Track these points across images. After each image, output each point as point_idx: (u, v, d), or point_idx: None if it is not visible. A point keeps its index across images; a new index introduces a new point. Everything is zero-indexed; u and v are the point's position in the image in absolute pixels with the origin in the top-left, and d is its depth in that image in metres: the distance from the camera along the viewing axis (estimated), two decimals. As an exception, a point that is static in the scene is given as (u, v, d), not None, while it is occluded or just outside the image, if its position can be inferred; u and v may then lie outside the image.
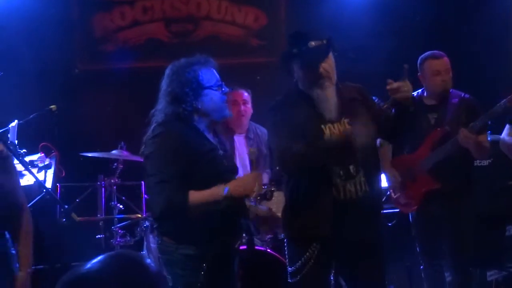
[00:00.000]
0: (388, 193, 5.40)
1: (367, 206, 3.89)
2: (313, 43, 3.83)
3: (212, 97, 3.78)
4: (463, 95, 5.23)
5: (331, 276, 4.47)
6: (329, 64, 3.88)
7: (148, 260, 1.56)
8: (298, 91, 3.96)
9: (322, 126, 3.87)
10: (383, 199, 4.33)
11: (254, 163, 3.89)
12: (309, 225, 3.93)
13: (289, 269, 4.00)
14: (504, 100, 4.85)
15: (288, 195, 4.13)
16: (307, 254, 3.89)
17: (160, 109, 3.77)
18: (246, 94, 6.05)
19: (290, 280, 3.99)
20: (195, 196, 3.58)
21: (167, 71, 3.84)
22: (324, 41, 3.86)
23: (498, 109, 4.88)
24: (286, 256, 4.10)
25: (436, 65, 5.19)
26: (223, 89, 3.84)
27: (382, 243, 4.05)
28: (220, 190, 3.60)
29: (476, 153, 5.11)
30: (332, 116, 3.88)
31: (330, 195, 3.84)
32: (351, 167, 3.87)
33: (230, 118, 4.03)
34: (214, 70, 3.86)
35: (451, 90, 5.25)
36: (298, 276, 3.93)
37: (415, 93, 5.27)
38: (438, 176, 5.10)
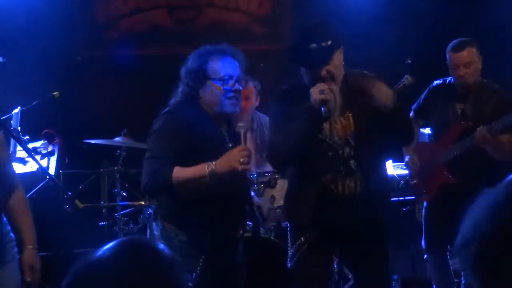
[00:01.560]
0: (407, 178, 5.38)
1: (369, 200, 3.84)
2: (314, 45, 3.66)
3: (213, 90, 3.73)
4: (496, 87, 5.03)
5: (334, 264, 4.47)
6: (333, 65, 3.74)
7: (162, 245, 1.55)
8: (303, 86, 3.84)
9: (321, 122, 3.81)
10: (390, 191, 4.25)
11: (243, 137, 3.70)
12: (297, 217, 3.98)
13: (289, 252, 4.03)
14: None
15: (288, 185, 4.18)
16: (301, 239, 3.90)
17: (177, 89, 3.81)
18: (250, 86, 5.99)
19: (288, 264, 4.00)
20: (180, 172, 3.55)
21: (191, 54, 3.83)
22: (329, 42, 3.68)
23: None
24: (288, 240, 4.11)
25: (454, 59, 4.98)
26: (227, 83, 3.74)
27: (386, 235, 4.02)
28: (205, 166, 3.54)
29: (495, 154, 4.85)
30: (333, 116, 3.81)
31: (320, 189, 3.82)
32: (351, 162, 3.83)
33: (233, 113, 3.86)
34: (234, 63, 3.78)
35: (484, 81, 5.05)
36: (293, 260, 3.96)
37: (448, 78, 5.19)
38: (456, 172, 4.99)
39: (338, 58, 3.78)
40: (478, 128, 4.76)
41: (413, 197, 5.50)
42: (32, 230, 3.85)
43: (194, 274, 3.65)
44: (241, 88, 3.82)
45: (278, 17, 7.69)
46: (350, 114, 3.84)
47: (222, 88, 3.73)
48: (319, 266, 3.98)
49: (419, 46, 5.26)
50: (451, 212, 4.91)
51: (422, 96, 5.30)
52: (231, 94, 3.75)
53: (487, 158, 4.85)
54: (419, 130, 5.28)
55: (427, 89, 5.25)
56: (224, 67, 3.75)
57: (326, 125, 3.82)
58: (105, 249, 1.48)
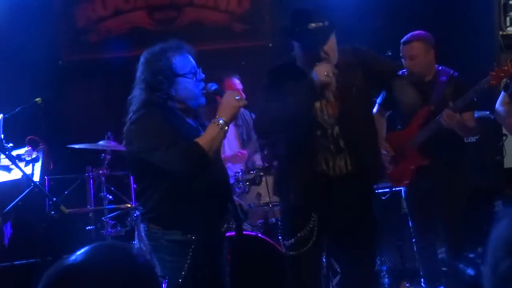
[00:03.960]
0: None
1: (358, 181, 3.90)
2: (313, 24, 3.76)
3: (186, 85, 3.74)
4: (451, 72, 5.25)
5: (323, 258, 4.49)
6: (329, 46, 3.83)
7: (135, 250, 1.56)
8: (295, 67, 3.94)
9: (315, 100, 3.87)
10: (378, 174, 4.30)
11: (219, 91, 3.91)
12: (291, 197, 3.99)
13: (286, 242, 4.04)
14: (483, 81, 4.89)
15: (278, 166, 4.28)
16: (305, 229, 3.93)
17: (135, 96, 3.76)
18: (238, 82, 6.05)
19: (286, 252, 4.03)
20: (202, 140, 3.60)
21: (141, 58, 3.80)
22: (326, 23, 3.79)
23: (478, 88, 4.92)
24: (280, 228, 4.13)
25: (404, 50, 5.24)
26: (197, 76, 3.80)
27: (373, 217, 4.07)
28: (214, 124, 3.64)
29: (461, 132, 5.15)
30: (329, 97, 3.89)
31: (312, 169, 3.86)
32: (340, 141, 3.88)
33: (203, 105, 3.92)
34: (190, 56, 3.81)
35: (439, 68, 5.28)
36: (294, 252, 3.98)
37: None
38: (427, 153, 5.17)
39: (333, 40, 3.86)
40: (444, 111, 4.95)
41: (391, 188, 5.61)
42: None
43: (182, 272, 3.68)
44: (204, 76, 3.87)
45: (257, 14, 7.68)
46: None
47: (195, 81, 3.77)
48: (316, 254, 4.04)
49: (399, 38, 5.30)
50: (428, 189, 5.23)
51: None
52: (202, 85, 3.81)
53: (451, 135, 5.09)
54: (384, 120, 5.45)
55: None
56: (187, 61, 3.78)
57: (317, 104, 3.88)
58: (78, 254, 1.49)
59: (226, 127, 3.66)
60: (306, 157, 3.89)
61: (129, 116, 3.74)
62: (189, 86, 3.76)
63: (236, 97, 3.69)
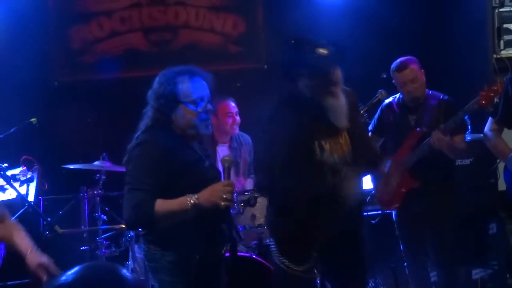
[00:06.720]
0: (373, 191, 5.47)
1: (355, 209, 3.94)
2: (322, 50, 3.70)
3: (184, 114, 3.70)
4: (441, 96, 5.29)
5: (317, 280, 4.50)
6: (338, 72, 3.81)
7: (124, 271, 1.56)
8: (304, 99, 3.79)
9: (322, 143, 3.80)
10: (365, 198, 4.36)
11: (227, 171, 3.74)
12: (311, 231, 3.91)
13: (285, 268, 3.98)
14: (473, 101, 4.92)
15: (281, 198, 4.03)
16: (306, 264, 3.92)
17: (146, 112, 3.77)
18: (233, 105, 6.08)
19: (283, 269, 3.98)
20: (163, 205, 3.54)
21: (157, 77, 3.79)
22: (332, 48, 3.74)
23: (468, 108, 4.95)
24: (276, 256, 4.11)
25: (400, 78, 5.24)
26: (199, 105, 3.72)
27: (363, 238, 4.12)
28: (187, 199, 3.55)
29: (451, 154, 5.17)
30: (344, 124, 3.84)
31: (330, 217, 3.83)
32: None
33: (207, 134, 3.90)
34: (204, 83, 3.75)
35: (430, 92, 5.32)
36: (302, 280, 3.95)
37: (397, 95, 5.43)
38: (418, 175, 5.17)
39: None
40: (433, 133, 4.99)
41: (381, 211, 5.61)
42: (27, 238, 3.80)
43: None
44: (213, 108, 3.81)
45: (252, 36, 7.72)
46: (345, 132, 3.89)
47: (195, 111, 3.70)
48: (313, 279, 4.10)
49: (393, 61, 5.34)
50: (419, 212, 5.26)
51: (376, 115, 5.53)
52: (204, 116, 3.74)
53: (442, 158, 5.13)
54: (378, 146, 5.46)
55: (379, 108, 5.47)
56: (195, 89, 3.71)
57: (326, 146, 3.81)
58: (69, 274, 1.50)
59: (196, 209, 3.56)
60: (322, 203, 3.80)
61: (137, 134, 3.75)
62: (187, 115, 3.70)
63: (224, 196, 3.56)
